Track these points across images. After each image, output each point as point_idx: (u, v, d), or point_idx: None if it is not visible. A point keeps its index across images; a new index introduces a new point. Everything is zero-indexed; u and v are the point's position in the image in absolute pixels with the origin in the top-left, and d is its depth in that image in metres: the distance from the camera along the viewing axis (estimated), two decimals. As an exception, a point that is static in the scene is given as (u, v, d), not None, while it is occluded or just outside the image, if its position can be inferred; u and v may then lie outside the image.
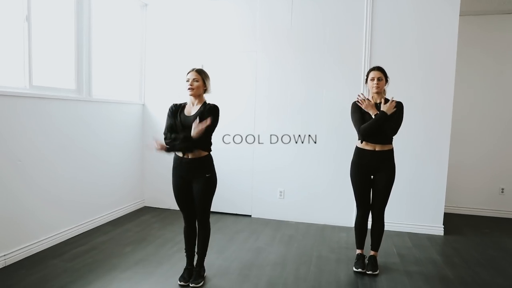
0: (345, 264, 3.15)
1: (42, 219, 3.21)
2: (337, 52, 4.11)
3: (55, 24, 3.40)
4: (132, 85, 4.53)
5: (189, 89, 2.63)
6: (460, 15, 3.83)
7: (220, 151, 4.37)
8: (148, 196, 4.71)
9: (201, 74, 2.66)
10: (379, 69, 2.96)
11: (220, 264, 3.08)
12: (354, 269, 3.04)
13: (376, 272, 2.96)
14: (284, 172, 4.32)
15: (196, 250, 2.80)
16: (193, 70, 2.67)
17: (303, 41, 4.18)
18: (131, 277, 2.79)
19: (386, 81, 2.97)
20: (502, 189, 4.65)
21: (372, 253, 3.06)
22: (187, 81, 2.65)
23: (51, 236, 3.31)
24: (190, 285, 2.67)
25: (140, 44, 4.58)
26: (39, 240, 3.18)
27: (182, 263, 3.04)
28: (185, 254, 2.84)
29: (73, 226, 3.57)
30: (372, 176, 2.98)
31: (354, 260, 3.11)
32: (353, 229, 4.04)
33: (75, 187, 3.58)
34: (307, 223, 4.22)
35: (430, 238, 3.85)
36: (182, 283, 2.71)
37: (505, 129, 4.62)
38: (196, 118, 2.58)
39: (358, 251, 3.13)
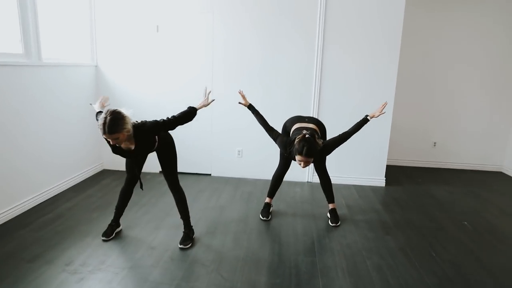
0: (301, 218, 3.53)
1: (2, 189, 3.17)
2: (293, 16, 4.19)
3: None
4: (83, 47, 4.31)
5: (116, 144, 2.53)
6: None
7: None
8: (107, 159, 4.71)
9: (116, 131, 2.38)
10: (307, 155, 2.74)
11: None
12: (260, 217, 3.45)
13: (338, 224, 3.36)
14: (242, 133, 4.52)
15: (180, 216, 3.01)
16: (105, 133, 2.37)
17: (259, 3, 4.19)
18: (104, 243, 2.93)
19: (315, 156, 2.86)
20: (434, 143, 5.26)
21: (331, 206, 3.45)
22: (108, 141, 2.47)
23: (14, 207, 3.29)
24: (179, 246, 2.88)
25: (88, 2, 4.30)
26: (1, 211, 3.16)
27: (151, 224, 3.26)
28: (114, 210, 3.06)
29: (36, 195, 3.56)
30: None
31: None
32: (306, 183, 4.48)
33: (36, 151, 3.52)
34: (264, 179, 4.54)
35: (374, 189, 4.36)
36: (104, 238, 2.95)
37: (436, 90, 5.12)
38: (142, 152, 2.71)
39: (267, 200, 3.54)
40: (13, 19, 3.29)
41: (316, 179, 4.49)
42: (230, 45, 4.31)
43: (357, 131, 3.05)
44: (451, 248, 3.03)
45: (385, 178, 4.49)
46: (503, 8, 4.84)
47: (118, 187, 4.14)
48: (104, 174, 4.59)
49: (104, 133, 2.38)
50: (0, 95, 3.09)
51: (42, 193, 3.64)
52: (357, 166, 4.46)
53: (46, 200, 3.69)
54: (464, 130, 5.21)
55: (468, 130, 5.20)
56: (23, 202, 3.40)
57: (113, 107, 2.48)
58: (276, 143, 3.12)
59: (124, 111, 2.47)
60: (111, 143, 2.49)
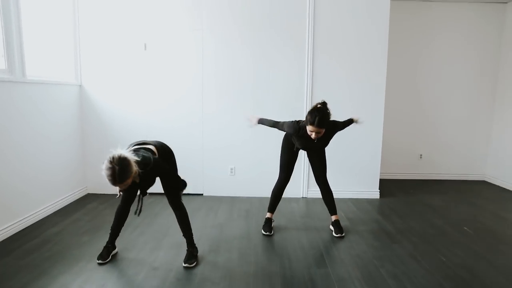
0: (304, 231, 3.43)
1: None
2: (282, 29, 4.24)
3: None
4: (66, 65, 4.14)
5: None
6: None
7: (168, 130, 4.32)
8: (91, 182, 4.44)
9: (125, 179, 2.25)
10: (319, 125, 2.85)
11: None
12: (263, 232, 3.34)
13: (343, 235, 3.29)
14: (234, 150, 4.42)
15: (182, 234, 2.84)
16: (114, 184, 2.25)
17: (249, 19, 4.23)
18: (100, 267, 2.69)
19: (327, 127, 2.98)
20: (421, 155, 5.39)
21: (333, 218, 3.38)
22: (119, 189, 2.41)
23: (-6, 233, 3.00)
24: (184, 265, 2.70)
25: (72, 21, 4.17)
26: (-20, 239, 2.86)
27: (149, 245, 3.05)
28: (109, 232, 2.85)
29: (17, 220, 3.26)
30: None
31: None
32: (302, 199, 4.41)
33: (19, 174, 3.25)
34: (259, 197, 4.43)
35: (370, 201, 4.35)
36: (100, 261, 2.72)
37: (421, 105, 5.31)
38: (148, 183, 2.57)
39: (268, 215, 3.44)
40: (-3, 33, 3.12)
41: (311, 194, 4.44)
42: (221, 61, 4.28)
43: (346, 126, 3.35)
44: (458, 252, 3.02)
45: (379, 190, 4.50)
46: (477, 28, 5.16)
47: (106, 210, 3.89)
48: (89, 198, 4.30)
49: (113, 184, 2.24)
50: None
51: (24, 218, 3.34)
52: (352, 180, 4.44)
53: (29, 226, 3.38)
54: (447, 142, 5.37)
55: (451, 141, 5.37)
56: (4, 229, 3.09)
57: (114, 152, 2.24)
58: (285, 129, 3.18)
59: (126, 153, 2.29)
60: (120, 189, 2.38)
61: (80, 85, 4.28)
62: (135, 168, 2.29)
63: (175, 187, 2.80)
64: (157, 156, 2.64)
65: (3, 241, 3.06)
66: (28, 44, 3.43)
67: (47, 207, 3.67)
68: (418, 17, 5.16)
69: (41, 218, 3.57)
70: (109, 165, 2.20)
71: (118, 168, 2.20)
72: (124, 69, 4.28)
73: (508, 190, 4.97)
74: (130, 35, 4.23)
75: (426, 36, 5.19)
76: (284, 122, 3.20)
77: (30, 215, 3.42)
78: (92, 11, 4.21)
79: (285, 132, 3.42)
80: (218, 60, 4.28)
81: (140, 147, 2.56)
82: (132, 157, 2.30)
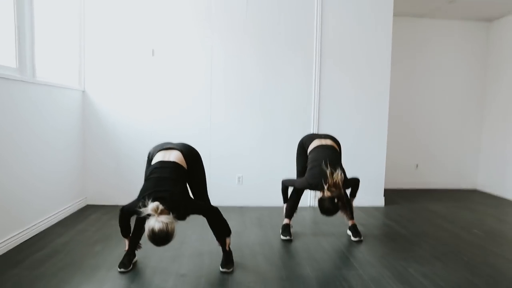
0: (322, 237, 3.40)
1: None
2: (292, 40, 4.32)
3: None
4: (71, 70, 3.99)
5: None
6: (394, 16, 4.47)
7: (174, 138, 4.20)
8: (91, 193, 4.22)
9: (169, 242, 2.22)
10: (328, 216, 3.00)
11: (211, 248, 3.00)
12: (282, 237, 3.31)
13: (361, 238, 3.30)
14: (241, 159, 4.37)
15: (216, 238, 2.73)
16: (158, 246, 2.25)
17: (258, 29, 4.28)
18: (122, 275, 2.53)
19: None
20: (417, 165, 5.55)
21: (350, 222, 3.38)
22: None
23: (-1, 244, 2.75)
24: (221, 269, 2.60)
25: (78, 24, 4.05)
26: (-15, 249, 2.61)
27: (169, 253, 2.91)
28: (129, 238, 2.68)
29: (21, 231, 3.01)
30: None
31: (282, 229, 3.39)
32: (309, 208, 4.39)
33: (22, 182, 3.02)
34: (267, 206, 4.37)
35: (376, 209, 4.41)
36: (122, 269, 2.56)
37: (417, 116, 5.52)
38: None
39: (286, 221, 3.42)
40: (8, 32, 2.97)
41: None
42: (230, 69, 4.28)
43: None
44: (477, 252, 3.09)
45: (384, 198, 4.57)
46: (466, 44, 5.50)
47: (111, 221, 3.69)
48: (89, 209, 4.07)
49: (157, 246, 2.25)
50: (-7, 110, 2.69)
51: (27, 228, 3.09)
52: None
53: (32, 236, 3.15)
54: (440, 152, 5.58)
55: (444, 152, 5.59)
56: (8, 239, 2.85)
57: (151, 223, 2.14)
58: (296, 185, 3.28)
59: (163, 222, 2.13)
60: None
61: (83, 91, 4.13)
62: (175, 229, 2.20)
63: (204, 191, 2.72)
64: (185, 165, 2.55)
65: (9, 251, 2.82)
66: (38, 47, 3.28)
67: (49, 217, 3.43)
68: (414, 32, 5.43)
69: (43, 228, 3.33)
70: (151, 240, 2.17)
71: (162, 242, 2.18)
72: (130, 76, 4.18)
73: (499, 197, 5.20)
74: (137, 41, 4.16)
75: (421, 50, 5.46)
76: (297, 182, 3.29)
77: (33, 226, 3.18)
78: (98, 14, 4.11)
79: (300, 139, 3.45)
80: (227, 69, 4.27)
81: (164, 189, 2.33)
82: (171, 224, 2.17)
